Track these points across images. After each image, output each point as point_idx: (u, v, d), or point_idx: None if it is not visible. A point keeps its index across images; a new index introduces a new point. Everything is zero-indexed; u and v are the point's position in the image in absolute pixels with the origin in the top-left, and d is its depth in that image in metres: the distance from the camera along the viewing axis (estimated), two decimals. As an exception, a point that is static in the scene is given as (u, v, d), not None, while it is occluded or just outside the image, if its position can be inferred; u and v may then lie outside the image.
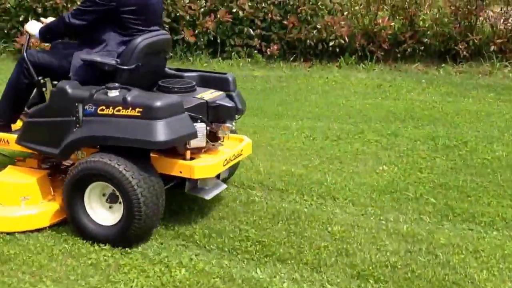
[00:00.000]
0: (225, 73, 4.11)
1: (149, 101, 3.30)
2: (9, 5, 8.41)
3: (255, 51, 8.98)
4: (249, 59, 8.91)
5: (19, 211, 3.55)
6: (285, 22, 8.92)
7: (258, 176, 4.57)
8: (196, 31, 8.76)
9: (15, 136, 3.72)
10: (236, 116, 3.87)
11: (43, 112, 3.62)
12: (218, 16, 8.73)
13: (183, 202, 4.03)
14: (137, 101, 3.29)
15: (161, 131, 3.24)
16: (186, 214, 3.87)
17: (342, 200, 4.23)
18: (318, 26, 8.83)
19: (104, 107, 3.32)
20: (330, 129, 5.86)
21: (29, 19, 8.20)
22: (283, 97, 7.15)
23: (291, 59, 9.01)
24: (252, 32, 8.91)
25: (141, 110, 3.25)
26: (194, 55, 8.79)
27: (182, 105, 3.39)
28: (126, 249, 3.37)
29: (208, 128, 3.54)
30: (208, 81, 3.98)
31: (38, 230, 3.57)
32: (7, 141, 3.79)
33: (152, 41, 3.64)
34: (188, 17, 8.70)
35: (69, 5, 8.47)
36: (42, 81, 3.69)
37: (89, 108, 3.36)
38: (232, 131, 3.81)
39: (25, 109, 3.94)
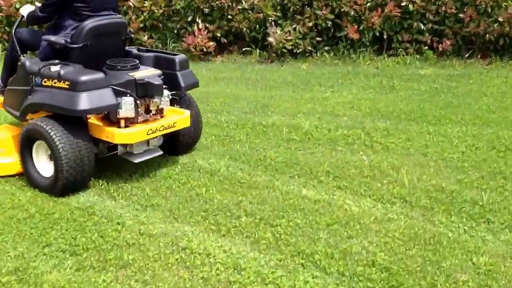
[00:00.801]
0: (176, 54, 4.70)
1: (75, 76, 3.95)
2: (179, 6, 8.75)
3: (425, 47, 8.27)
4: (418, 56, 8.26)
5: None
6: (461, 15, 8.07)
7: (401, 189, 4.11)
8: (361, 27, 8.30)
9: None
10: (179, 92, 4.57)
11: (13, 82, 4.44)
12: (386, 10, 8.19)
13: (306, 215, 3.73)
14: (67, 75, 3.96)
15: (82, 102, 3.90)
16: (309, 230, 3.57)
17: (498, 224, 3.62)
18: (500, 19, 7.84)
19: (46, 80, 4.05)
20: (499, 137, 5.12)
21: (196, 19, 8.51)
22: (449, 99, 6.46)
23: (466, 55, 8.14)
24: (422, 26, 8.24)
25: (69, 83, 3.94)
26: (357, 52, 8.37)
27: (105, 81, 4.04)
28: (241, 264, 3.18)
29: (138, 102, 4.19)
30: (159, 62, 4.59)
31: (159, 236, 3.57)
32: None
33: (100, 24, 4.26)
34: (352, 12, 8.28)
35: (233, 4, 8.57)
36: (22, 56, 4.44)
37: (37, 79, 4.10)
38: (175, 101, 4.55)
39: None
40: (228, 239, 3.51)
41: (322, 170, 4.50)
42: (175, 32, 9.01)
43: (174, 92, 4.53)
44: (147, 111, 4.34)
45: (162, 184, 4.31)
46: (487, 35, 8.00)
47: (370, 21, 8.26)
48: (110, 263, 3.27)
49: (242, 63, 8.69)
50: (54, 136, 3.95)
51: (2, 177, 4.46)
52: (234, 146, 5.09)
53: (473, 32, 8.08)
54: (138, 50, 4.84)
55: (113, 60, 4.35)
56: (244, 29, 8.63)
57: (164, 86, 4.30)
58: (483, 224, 3.63)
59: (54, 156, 4.00)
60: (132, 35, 5.05)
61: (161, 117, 4.42)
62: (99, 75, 4.08)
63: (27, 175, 4.28)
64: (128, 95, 4.14)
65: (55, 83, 4.03)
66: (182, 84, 4.56)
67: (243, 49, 8.90)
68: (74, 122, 4.09)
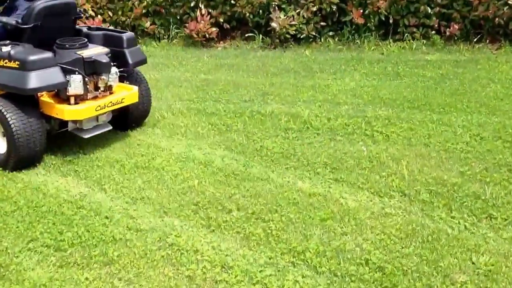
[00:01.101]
0: (123, 32, 4.86)
1: (24, 56, 4.10)
2: (181, -10, 8.58)
3: (432, 32, 8.05)
4: (424, 41, 8.04)
5: None
6: (469, -2, 7.84)
7: (400, 182, 3.96)
8: (366, 11, 8.08)
9: None
10: (126, 69, 4.73)
11: None
12: (392, -7, 7.97)
13: (300, 209, 3.60)
14: (17, 55, 4.10)
15: (31, 81, 4.06)
16: (302, 226, 3.43)
17: (500, 220, 3.46)
18: (510, 2, 7.59)
19: None
20: (505, 127, 4.95)
21: (199, 4, 8.33)
22: (455, 86, 6.27)
23: (475, 40, 7.92)
24: (430, 10, 8.00)
25: (18, 63, 4.08)
26: (362, 37, 8.16)
27: (54, 60, 4.20)
28: (229, 262, 3.06)
29: (87, 79, 4.35)
30: (107, 40, 4.74)
31: (147, 231, 3.46)
32: None
33: (49, 4, 4.40)
34: (358, -3, 8.08)
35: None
36: None
37: None
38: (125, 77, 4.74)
39: None
40: (218, 235, 3.39)
41: (319, 162, 4.35)
42: (178, 17, 8.84)
43: (122, 69, 4.68)
44: (96, 88, 4.52)
45: (154, 175, 4.19)
46: (497, 19, 7.78)
47: (375, 5, 8.05)
48: (94, 260, 3.16)
49: (244, 49, 8.51)
50: (6, 114, 4.12)
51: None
52: (231, 135, 4.95)
53: (482, 15, 7.85)
54: (88, 28, 5.00)
55: (62, 39, 4.48)
56: (247, 14, 8.44)
57: (112, 64, 4.47)
58: (485, 220, 3.48)
59: (6, 133, 4.16)
60: (82, 15, 5.33)
61: (110, 93, 4.59)
62: (48, 54, 4.21)
63: None
64: (77, 73, 4.32)
65: (6, 63, 4.18)
66: (130, 61, 4.75)
67: (246, 35, 8.72)
68: (26, 100, 4.24)
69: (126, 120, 4.97)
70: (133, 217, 3.62)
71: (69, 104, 4.35)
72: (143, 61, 4.98)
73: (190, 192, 3.93)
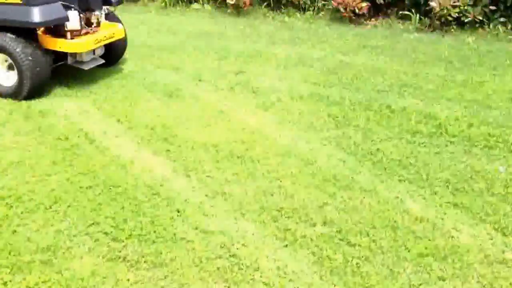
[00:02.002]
0: None
1: None
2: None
3: None
4: None
5: None
6: None
7: None
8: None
9: None
10: (110, 7, 5.42)
11: None
12: None
13: (398, 236, 3.03)
14: None
15: (37, 15, 4.54)
16: (392, 259, 2.89)
17: None
18: None
19: None
20: None
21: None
22: None
23: None
24: None
25: None
26: None
27: None
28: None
29: (81, 15, 4.90)
30: None
31: (213, 233, 3.18)
32: None
33: None
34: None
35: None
36: None
37: None
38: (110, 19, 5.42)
39: None
40: (289, 252, 2.99)
41: (441, 178, 3.71)
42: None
43: (107, 7, 5.41)
44: (88, 24, 5.14)
45: (246, 168, 3.87)
46: None
47: None
48: (145, 259, 2.94)
49: (397, 29, 7.80)
50: (17, 48, 4.67)
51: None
52: (347, 131, 4.46)
53: None
54: None
55: None
56: (405, -11, 7.69)
57: (101, 2, 5.16)
58: None
59: (17, 66, 4.72)
60: None
61: (99, 29, 5.19)
62: None
63: None
64: (73, 9, 4.87)
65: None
66: (113, 0, 5.44)
67: (401, 12, 7.95)
68: (27, 34, 4.77)
69: (110, 55, 5.68)
70: (205, 214, 3.33)
71: (66, 39, 4.88)
72: (121, 1, 5.70)
73: (278, 194, 3.55)
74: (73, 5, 4.87)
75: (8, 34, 4.72)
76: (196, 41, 7.03)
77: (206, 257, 2.95)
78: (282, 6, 8.41)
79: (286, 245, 3.05)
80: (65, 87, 5.29)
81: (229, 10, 8.51)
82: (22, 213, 3.30)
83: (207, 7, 8.75)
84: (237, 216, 3.32)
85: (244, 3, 8.26)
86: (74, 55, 5.10)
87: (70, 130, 4.39)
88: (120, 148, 4.12)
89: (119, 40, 5.54)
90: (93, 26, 5.20)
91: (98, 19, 5.21)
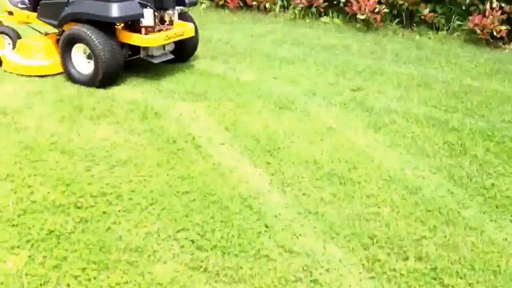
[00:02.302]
0: None
1: None
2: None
3: None
4: None
5: (36, 62, 5.80)
6: None
7: None
8: None
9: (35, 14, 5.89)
10: (183, 7, 5.93)
11: None
12: None
13: (499, 285, 2.77)
14: None
15: (115, 11, 5.14)
16: None
17: None
18: None
19: None
20: None
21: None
22: None
23: None
24: None
25: None
26: None
27: None
28: None
29: (156, 13, 5.48)
30: None
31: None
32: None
33: None
34: None
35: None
36: None
37: None
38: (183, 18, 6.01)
39: None
40: (375, 285, 2.82)
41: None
42: (463, 8, 7.89)
43: (180, 7, 5.91)
44: (161, 21, 5.70)
45: (346, 189, 3.81)
46: None
47: None
48: (225, 272, 2.96)
49: (537, 55, 7.21)
50: (95, 40, 5.23)
51: (42, 76, 5.69)
52: (463, 161, 4.21)
53: None
54: None
55: None
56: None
57: (175, 2, 5.73)
58: None
59: (94, 55, 5.28)
60: None
61: (172, 27, 5.75)
62: None
63: (68, 73, 5.59)
64: (149, 7, 5.43)
65: None
66: (187, 1, 5.94)
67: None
68: (106, 28, 5.33)
69: (182, 52, 6.22)
70: (294, 233, 3.27)
71: (140, 34, 5.44)
72: (195, 3, 6.23)
73: (373, 221, 3.40)
74: (148, 4, 5.48)
75: (90, 27, 5.30)
76: (318, 54, 6.97)
77: (287, 278, 2.88)
78: (414, 24, 8.11)
79: (373, 277, 2.90)
80: (182, 91, 5.45)
81: (358, 25, 8.36)
82: (119, 211, 3.42)
83: (336, 20, 8.66)
84: (326, 238, 3.22)
85: (375, 19, 8.07)
86: (146, 49, 5.69)
87: (179, 134, 4.51)
88: (222, 156, 4.16)
89: (190, 38, 6.04)
90: (165, 24, 5.74)
91: (171, 17, 5.77)
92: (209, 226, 3.30)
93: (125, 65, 5.67)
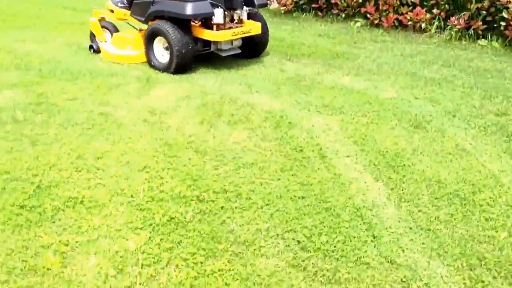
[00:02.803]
0: None
1: None
2: None
3: None
4: None
5: (126, 52, 7.06)
6: None
7: None
8: None
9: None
10: (253, 8, 6.81)
11: None
12: None
13: None
14: None
15: (189, 9, 6.18)
16: None
17: None
18: None
19: None
20: None
21: None
22: None
23: None
24: None
25: None
26: None
27: None
28: None
29: (226, 12, 6.44)
30: None
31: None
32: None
33: None
34: None
35: None
36: None
37: None
38: (251, 16, 6.88)
39: None
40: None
41: None
42: None
43: (250, 8, 6.76)
44: (232, 20, 6.70)
45: (464, 210, 3.74)
46: None
47: None
48: (323, 273, 3.06)
49: None
50: (171, 33, 6.32)
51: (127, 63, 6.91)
52: None
53: None
54: None
55: None
56: None
57: (243, 3, 6.67)
58: None
59: (170, 46, 6.39)
60: None
61: (241, 25, 6.68)
62: None
63: (149, 61, 6.78)
64: (219, 7, 6.39)
65: None
66: (256, 3, 6.80)
67: None
68: (183, 25, 6.43)
69: (251, 48, 7.14)
70: (400, 246, 3.34)
71: (211, 30, 6.47)
72: (265, 5, 7.21)
73: (487, 243, 3.36)
74: (219, 4, 6.43)
75: (169, 23, 6.38)
76: (468, 77, 6.77)
77: (382, 286, 2.92)
78: None
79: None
80: (319, 104, 5.63)
81: (521, 49, 7.96)
82: (236, 208, 3.69)
83: (495, 44, 8.32)
84: (433, 255, 3.21)
85: (540, 43, 7.63)
86: (216, 43, 6.68)
87: (307, 144, 4.69)
88: (345, 168, 4.27)
89: (258, 36, 6.91)
90: (235, 22, 6.68)
91: (239, 17, 6.69)
92: (317, 230, 3.42)
93: (199, 56, 6.87)
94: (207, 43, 6.71)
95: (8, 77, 6.25)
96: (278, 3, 10.08)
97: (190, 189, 3.89)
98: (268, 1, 8.47)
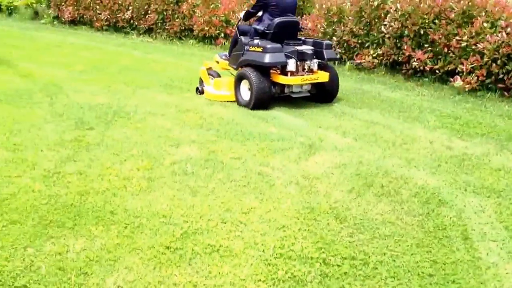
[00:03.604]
0: (324, 40, 9.40)
1: (265, 45, 8.04)
2: None
3: None
4: None
5: (221, 92, 8.98)
6: None
7: None
8: None
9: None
10: (321, 61, 8.49)
11: (235, 51, 8.83)
12: None
13: None
14: (261, 44, 8.08)
15: (267, 58, 7.96)
16: None
17: None
18: None
19: (251, 47, 8.28)
20: None
21: None
22: None
23: None
24: None
25: (261, 48, 8.05)
26: None
27: (281, 49, 8.12)
28: None
29: (298, 62, 8.21)
30: (315, 43, 8.66)
31: None
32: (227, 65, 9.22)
33: (283, 20, 8.40)
34: None
35: None
36: (240, 37, 8.75)
37: (247, 48, 8.34)
38: (323, 68, 8.63)
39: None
40: None
41: None
42: None
43: (320, 60, 8.38)
44: (303, 69, 8.34)
45: None
46: None
47: None
48: None
49: None
50: (252, 77, 8.12)
51: (222, 101, 8.81)
52: None
53: None
54: (305, 37, 9.00)
55: (288, 40, 8.45)
56: None
57: (314, 56, 8.28)
58: None
59: (251, 87, 8.18)
60: (302, 29, 9.62)
61: (311, 74, 8.33)
62: (278, 45, 8.13)
63: (237, 100, 8.62)
64: (293, 58, 8.11)
65: (255, 49, 8.22)
66: (325, 57, 8.41)
67: None
68: (263, 71, 8.20)
69: (323, 94, 8.73)
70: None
71: (285, 76, 8.20)
72: (335, 58, 9.50)
73: None
74: (293, 56, 8.16)
75: (252, 69, 8.21)
76: None
77: None
78: None
79: None
80: (478, 185, 5.47)
81: None
82: (359, 275, 3.82)
83: None
84: None
85: None
86: (289, 87, 8.41)
87: (453, 223, 4.64)
88: (487, 252, 4.16)
89: (329, 83, 8.54)
90: (305, 70, 8.37)
91: (309, 66, 8.34)
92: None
93: (277, 98, 8.61)
94: (283, 87, 8.43)
95: (190, 134, 7.00)
96: (463, 81, 9.91)
97: (319, 251, 4.07)
98: (453, 80, 9.68)
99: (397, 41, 10.95)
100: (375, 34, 11.36)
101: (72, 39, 16.91)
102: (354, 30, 11.63)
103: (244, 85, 8.44)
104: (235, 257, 3.99)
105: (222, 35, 15.16)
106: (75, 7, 19.85)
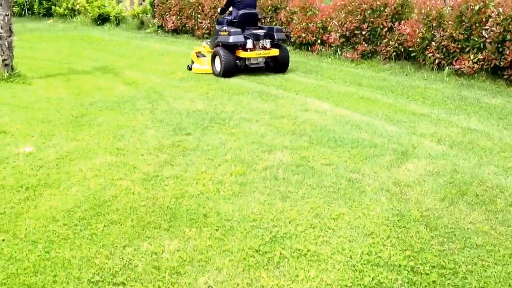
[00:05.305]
0: (275, 26, 13.41)
1: (229, 30, 11.43)
2: None
3: None
4: None
5: (203, 67, 12.53)
6: None
7: None
8: None
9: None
10: (272, 41, 11.88)
11: (212, 35, 13.20)
12: None
13: None
14: (227, 29, 11.44)
15: (231, 39, 11.36)
16: None
17: None
18: None
19: (221, 32, 11.60)
20: None
21: None
22: None
23: None
24: None
25: (227, 32, 11.44)
26: None
27: (241, 32, 11.51)
28: None
29: (254, 42, 11.58)
30: (269, 29, 12.01)
31: None
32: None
33: (246, 12, 11.84)
34: None
35: None
36: (215, 26, 12.57)
37: (219, 33, 11.65)
38: (276, 46, 12.07)
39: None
40: None
41: None
42: None
43: (272, 40, 11.70)
44: (259, 46, 11.57)
45: None
46: None
47: None
48: None
49: None
50: (222, 53, 11.38)
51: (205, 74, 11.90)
52: None
53: None
54: (261, 24, 12.24)
55: (249, 27, 11.67)
56: None
57: (266, 37, 11.62)
58: None
59: (221, 61, 11.38)
60: (260, 18, 12.51)
61: (266, 50, 11.66)
62: (239, 30, 11.40)
63: (213, 71, 11.90)
64: (250, 38, 11.43)
65: (224, 33, 11.38)
66: (276, 38, 11.66)
67: None
68: (230, 49, 11.48)
69: (275, 65, 12.16)
70: None
71: (245, 51, 11.41)
72: (283, 39, 11.98)
73: None
74: (250, 37, 11.44)
75: (222, 48, 11.50)
76: None
77: None
78: None
79: None
80: None
81: None
82: (448, 284, 3.76)
83: None
84: None
85: None
86: (248, 60, 11.84)
87: None
88: None
89: (280, 57, 11.99)
90: (260, 47, 11.66)
91: (263, 45, 11.68)
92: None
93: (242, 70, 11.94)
94: (244, 60, 11.81)
95: (283, 140, 7.13)
96: None
97: (408, 259, 4.06)
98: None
99: (499, 45, 10.54)
100: (476, 38, 11.00)
101: (174, 48, 17.57)
102: (454, 35, 11.34)
103: (217, 60, 11.76)
104: (322, 262, 4.06)
105: (319, 41, 15.21)
106: (178, 17, 20.60)
